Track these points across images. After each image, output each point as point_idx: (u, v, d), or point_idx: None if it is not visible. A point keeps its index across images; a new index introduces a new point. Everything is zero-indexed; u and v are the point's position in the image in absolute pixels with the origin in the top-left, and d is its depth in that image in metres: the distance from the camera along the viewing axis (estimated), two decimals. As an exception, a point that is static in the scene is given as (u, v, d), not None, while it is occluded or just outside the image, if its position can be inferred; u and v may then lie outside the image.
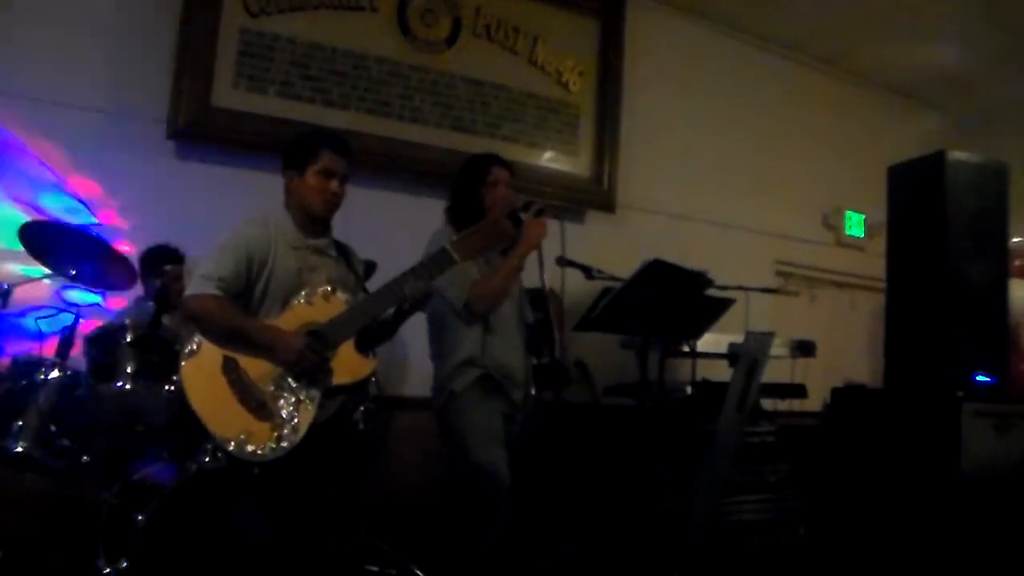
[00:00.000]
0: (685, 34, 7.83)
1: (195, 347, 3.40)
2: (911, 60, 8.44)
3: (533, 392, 4.54)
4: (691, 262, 5.10)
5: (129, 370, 4.33)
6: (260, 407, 3.32)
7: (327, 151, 3.60)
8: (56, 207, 5.20)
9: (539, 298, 4.53)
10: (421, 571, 4.83)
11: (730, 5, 7.74)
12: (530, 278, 4.42)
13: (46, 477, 4.43)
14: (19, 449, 4.18)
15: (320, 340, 3.37)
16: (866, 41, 8.18)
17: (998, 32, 7.60)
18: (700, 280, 5.20)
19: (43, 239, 4.37)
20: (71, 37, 5.39)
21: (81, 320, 4.55)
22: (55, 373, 4.34)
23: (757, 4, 7.68)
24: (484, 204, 4.22)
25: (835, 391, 5.69)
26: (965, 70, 8.49)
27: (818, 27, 7.97)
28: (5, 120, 5.15)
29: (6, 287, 4.27)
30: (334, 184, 3.61)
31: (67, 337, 4.49)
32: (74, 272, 4.42)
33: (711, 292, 5.44)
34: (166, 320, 4.53)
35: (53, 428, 4.28)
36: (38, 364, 4.37)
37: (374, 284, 3.79)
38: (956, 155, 5.28)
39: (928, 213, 5.29)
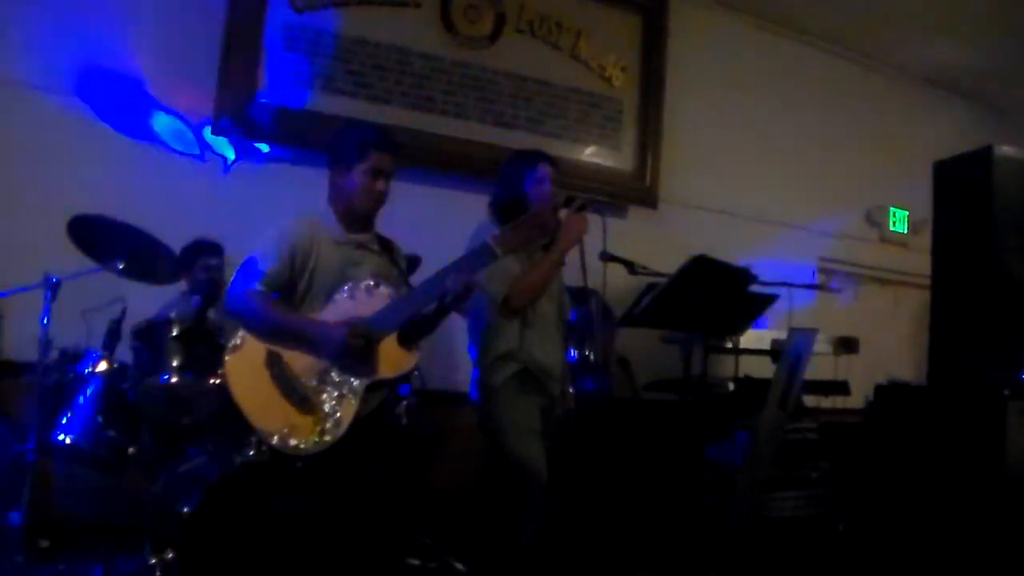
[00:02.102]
0: (728, 29, 7.81)
1: (239, 341, 3.43)
2: (955, 54, 8.37)
3: (571, 390, 4.53)
4: (733, 258, 5.09)
5: (175, 363, 4.37)
6: (303, 401, 3.34)
7: (375, 150, 3.61)
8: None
9: (580, 296, 4.54)
10: (462, 565, 4.85)
11: (773, 0, 7.70)
12: (572, 275, 4.42)
13: (93, 468, 4.49)
14: (67, 440, 4.24)
15: (363, 334, 3.39)
16: (909, 35, 8.12)
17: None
18: (743, 276, 5.19)
19: (92, 233, 4.42)
20: (117, 34, 5.45)
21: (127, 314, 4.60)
22: (102, 366, 4.40)
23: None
24: (529, 200, 4.21)
25: (878, 388, 5.65)
26: (1008, 64, 8.41)
27: (861, 22, 7.92)
28: (50, 115, 5.23)
29: (55, 280, 4.31)
30: (380, 183, 3.62)
31: (114, 330, 4.54)
32: (122, 266, 4.46)
33: (754, 288, 5.43)
34: (211, 314, 4.57)
35: (100, 420, 4.33)
36: (86, 357, 4.43)
37: (418, 279, 3.81)
38: (1004, 150, 5.21)
39: (974, 209, 5.22)
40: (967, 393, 5.01)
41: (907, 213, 8.75)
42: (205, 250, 5.14)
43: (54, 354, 4.40)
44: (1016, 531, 4.61)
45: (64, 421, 4.27)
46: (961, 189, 5.37)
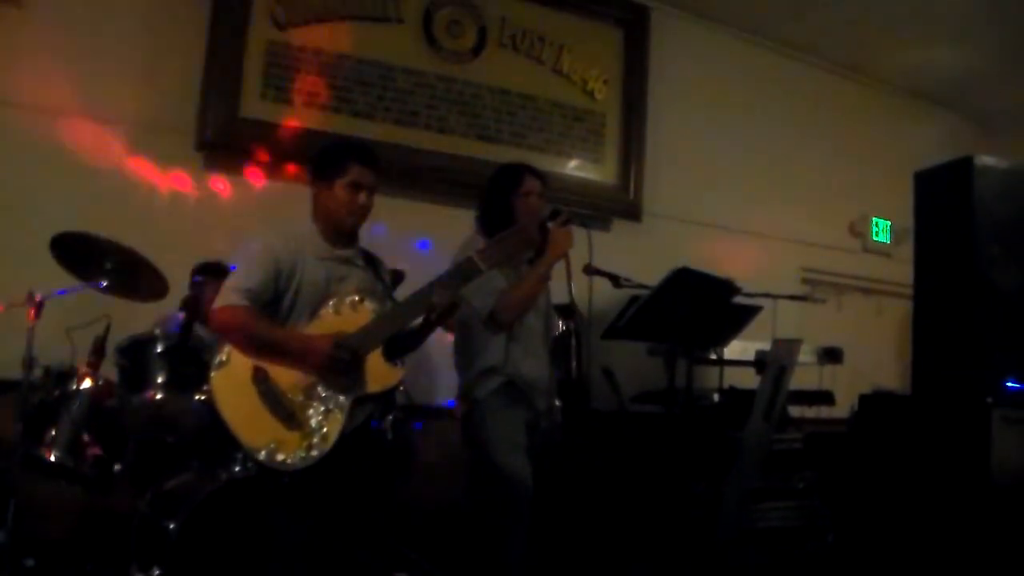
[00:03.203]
0: (709, 42, 7.84)
1: (225, 357, 3.43)
2: (935, 63, 8.40)
3: (558, 403, 4.54)
4: (718, 270, 5.11)
5: (160, 380, 4.38)
6: (290, 417, 3.34)
7: (355, 164, 3.61)
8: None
9: (566, 310, 4.54)
10: (449, 579, 4.85)
11: (753, 13, 7.74)
12: (558, 290, 4.43)
13: (78, 485, 4.47)
14: (52, 458, 4.24)
15: (349, 349, 3.39)
16: (890, 46, 8.15)
17: (1021, 33, 7.56)
18: (727, 288, 5.20)
19: (75, 249, 4.41)
20: (100, 50, 5.45)
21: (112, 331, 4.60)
22: (87, 383, 4.40)
23: (780, 11, 7.67)
24: (515, 214, 4.21)
25: (863, 398, 5.66)
26: (989, 72, 8.45)
27: (842, 33, 7.96)
28: (36, 133, 5.21)
29: (38, 297, 4.30)
30: (362, 196, 3.62)
31: (99, 348, 4.54)
32: (105, 283, 4.45)
33: (738, 300, 5.44)
34: (199, 330, 4.56)
35: (85, 437, 4.35)
36: (70, 374, 4.42)
37: (402, 293, 3.81)
38: (984, 160, 5.23)
39: (956, 219, 5.24)
40: (951, 401, 5.03)
41: (890, 223, 8.78)
42: (205, 269, 5.10)
43: (39, 372, 4.38)
44: (1002, 539, 4.63)
45: (49, 439, 4.26)
46: (942, 199, 5.39)
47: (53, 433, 4.28)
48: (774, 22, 7.88)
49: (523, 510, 4.12)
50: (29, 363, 4.24)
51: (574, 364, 4.85)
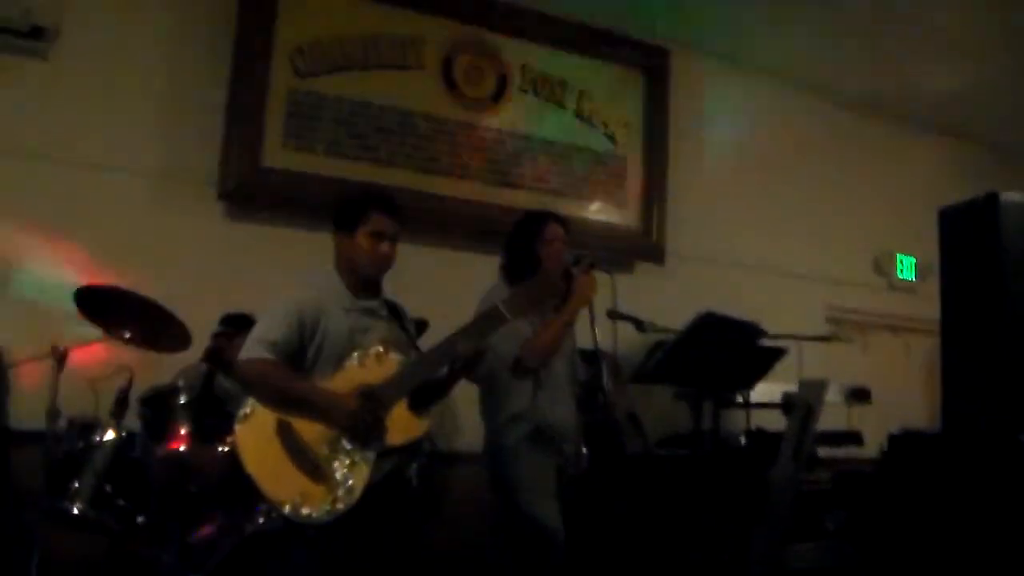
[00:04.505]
0: (729, 82, 7.85)
1: (249, 410, 3.41)
2: (956, 98, 8.38)
3: (584, 450, 4.51)
4: (741, 311, 5.08)
5: (183, 431, 4.37)
6: (315, 470, 3.32)
7: (377, 212, 3.60)
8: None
9: (591, 356, 4.52)
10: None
11: (772, 52, 7.75)
12: (582, 335, 4.41)
13: (102, 537, 4.46)
14: (75, 510, 4.22)
15: (374, 401, 3.37)
16: (910, 82, 8.14)
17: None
18: (752, 331, 5.17)
19: (98, 301, 4.42)
20: (122, 101, 5.49)
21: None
22: (110, 434, 4.39)
23: (799, 50, 7.68)
24: (539, 261, 4.20)
25: (892, 437, 5.59)
26: (1011, 105, 8.43)
27: (861, 69, 7.96)
28: (59, 185, 5.24)
29: (62, 349, 4.31)
30: (384, 246, 3.61)
31: (122, 399, 4.54)
32: (128, 334, 4.46)
33: (763, 342, 5.41)
34: (222, 381, 4.56)
35: (109, 489, 4.32)
36: (94, 426, 4.42)
37: (426, 342, 3.80)
38: (1010, 196, 5.20)
39: (982, 256, 5.20)
40: (982, 440, 4.98)
41: (915, 260, 8.73)
42: (231, 321, 5.10)
43: (62, 423, 4.40)
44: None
45: (73, 490, 4.25)
46: (968, 236, 5.35)
47: (77, 484, 4.26)
48: (793, 61, 7.89)
49: (553, 557, 4.08)
50: (53, 414, 4.25)
51: (602, 409, 4.81)
